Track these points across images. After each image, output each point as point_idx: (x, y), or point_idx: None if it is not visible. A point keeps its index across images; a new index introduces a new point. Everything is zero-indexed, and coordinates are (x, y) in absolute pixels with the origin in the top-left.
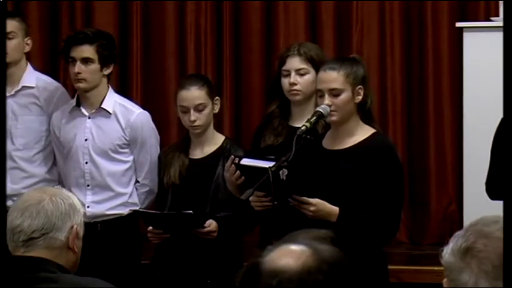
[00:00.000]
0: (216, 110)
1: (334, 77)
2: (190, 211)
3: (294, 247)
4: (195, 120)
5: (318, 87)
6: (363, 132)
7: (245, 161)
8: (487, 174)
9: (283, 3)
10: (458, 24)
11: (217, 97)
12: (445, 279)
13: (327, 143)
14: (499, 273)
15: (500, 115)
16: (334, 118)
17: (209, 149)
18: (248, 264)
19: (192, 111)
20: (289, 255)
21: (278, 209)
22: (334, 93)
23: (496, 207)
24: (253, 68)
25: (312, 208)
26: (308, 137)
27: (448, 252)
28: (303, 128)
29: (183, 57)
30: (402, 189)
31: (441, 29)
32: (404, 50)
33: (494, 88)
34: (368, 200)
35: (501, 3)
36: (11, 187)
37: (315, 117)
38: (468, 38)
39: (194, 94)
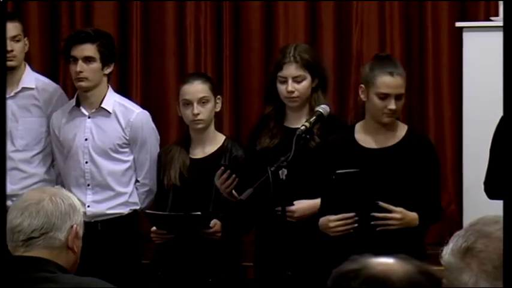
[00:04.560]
0: (218, 109)
1: (401, 83)
2: (199, 212)
3: (399, 262)
4: (198, 114)
5: (383, 91)
6: (400, 128)
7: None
8: (485, 174)
9: (283, 3)
10: (458, 24)
11: (218, 95)
12: (444, 280)
13: (367, 142)
14: (499, 274)
15: (500, 115)
16: (393, 120)
17: (210, 148)
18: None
19: (195, 104)
20: (386, 262)
21: (276, 218)
22: (399, 97)
23: (496, 207)
24: (253, 68)
25: (397, 222)
26: (307, 136)
27: (448, 253)
28: (303, 127)
29: (183, 57)
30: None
31: (441, 28)
32: (404, 50)
33: (494, 88)
34: (420, 194)
35: (501, 3)
36: (10, 187)
37: (314, 117)
38: (468, 38)
39: (198, 87)
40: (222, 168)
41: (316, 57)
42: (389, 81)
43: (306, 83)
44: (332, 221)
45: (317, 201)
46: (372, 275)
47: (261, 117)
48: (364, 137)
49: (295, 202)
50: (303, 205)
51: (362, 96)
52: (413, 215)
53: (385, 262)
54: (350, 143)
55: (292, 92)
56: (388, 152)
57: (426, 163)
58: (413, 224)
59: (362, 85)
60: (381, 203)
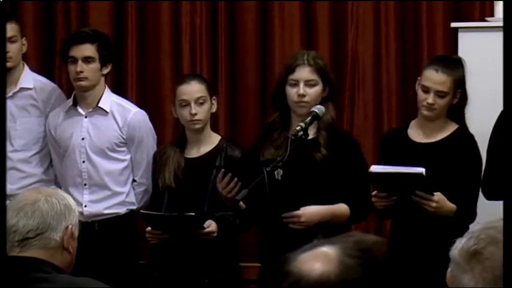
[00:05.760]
0: (214, 110)
1: (444, 80)
2: (193, 213)
3: (326, 253)
4: (195, 114)
5: (425, 83)
6: (449, 126)
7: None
8: (483, 175)
9: (278, 3)
10: (453, 25)
11: (214, 96)
12: (449, 269)
13: (416, 136)
14: (497, 283)
15: (495, 115)
16: (431, 114)
17: (206, 148)
18: (279, 262)
19: (193, 104)
20: (316, 260)
21: (278, 218)
22: (440, 94)
23: (496, 207)
24: (248, 68)
25: (433, 204)
26: (303, 137)
27: (457, 248)
28: (298, 128)
29: (178, 58)
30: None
31: (436, 29)
32: (400, 50)
33: (490, 88)
34: (460, 190)
35: (496, 4)
36: (8, 187)
37: (310, 118)
38: (463, 38)
39: (195, 88)
40: (223, 170)
41: (327, 66)
42: (431, 75)
43: (317, 89)
44: (372, 196)
45: (326, 208)
46: (312, 284)
47: (265, 124)
48: (415, 131)
49: (301, 208)
50: (310, 210)
51: (416, 88)
52: (452, 207)
53: (317, 260)
54: (402, 135)
55: (303, 96)
56: (433, 146)
57: (467, 163)
58: (449, 215)
59: (419, 77)
60: (419, 192)
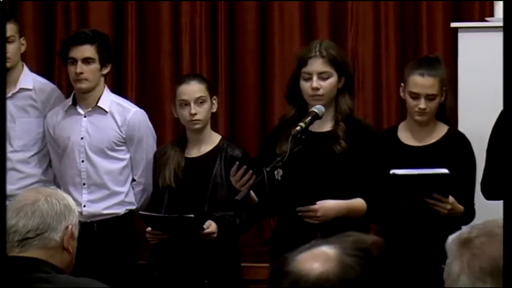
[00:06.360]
0: (214, 109)
1: (432, 83)
2: (192, 215)
3: (325, 252)
4: (195, 114)
5: (413, 90)
6: (440, 128)
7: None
8: (482, 175)
9: (278, 3)
10: (453, 25)
11: (215, 96)
12: (447, 261)
13: (407, 140)
14: (482, 275)
15: (495, 115)
16: (424, 118)
17: (206, 148)
18: (278, 262)
19: (192, 104)
20: (315, 260)
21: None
22: (430, 98)
23: (495, 207)
24: (248, 68)
25: (448, 207)
26: (303, 137)
27: (453, 237)
28: (298, 128)
29: (178, 58)
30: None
31: (436, 29)
32: (399, 50)
33: (489, 88)
34: (460, 191)
35: (496, 4)
36: (7, 188)
37: (309, 118)
38: (463, 39)
39: (195, 87)
40: (237, 163)
41: (343, 55)
42: (419, 81)
43: (332, 81)
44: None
45: (342, 203)
46: (312, 283)
47: (281, 118)
48: (405, 135)
49: (318, 202)
50: (327, 204)
51: (401, 94)
52: (461, 208)
53: (316, 260)
54: (392, 139)
55: (317, 89)
56: (427, 149)
57: (463, 164)
58: (457, 216)
59: (402, 84)
60: (435, 195)
